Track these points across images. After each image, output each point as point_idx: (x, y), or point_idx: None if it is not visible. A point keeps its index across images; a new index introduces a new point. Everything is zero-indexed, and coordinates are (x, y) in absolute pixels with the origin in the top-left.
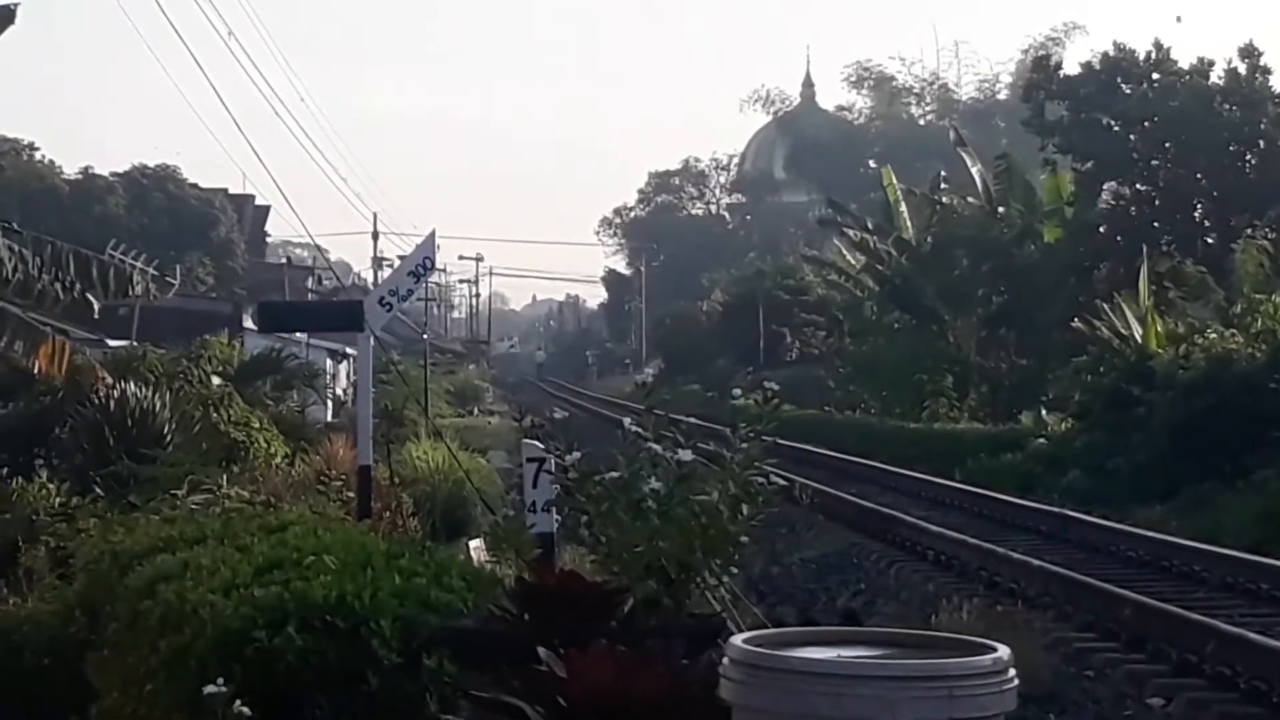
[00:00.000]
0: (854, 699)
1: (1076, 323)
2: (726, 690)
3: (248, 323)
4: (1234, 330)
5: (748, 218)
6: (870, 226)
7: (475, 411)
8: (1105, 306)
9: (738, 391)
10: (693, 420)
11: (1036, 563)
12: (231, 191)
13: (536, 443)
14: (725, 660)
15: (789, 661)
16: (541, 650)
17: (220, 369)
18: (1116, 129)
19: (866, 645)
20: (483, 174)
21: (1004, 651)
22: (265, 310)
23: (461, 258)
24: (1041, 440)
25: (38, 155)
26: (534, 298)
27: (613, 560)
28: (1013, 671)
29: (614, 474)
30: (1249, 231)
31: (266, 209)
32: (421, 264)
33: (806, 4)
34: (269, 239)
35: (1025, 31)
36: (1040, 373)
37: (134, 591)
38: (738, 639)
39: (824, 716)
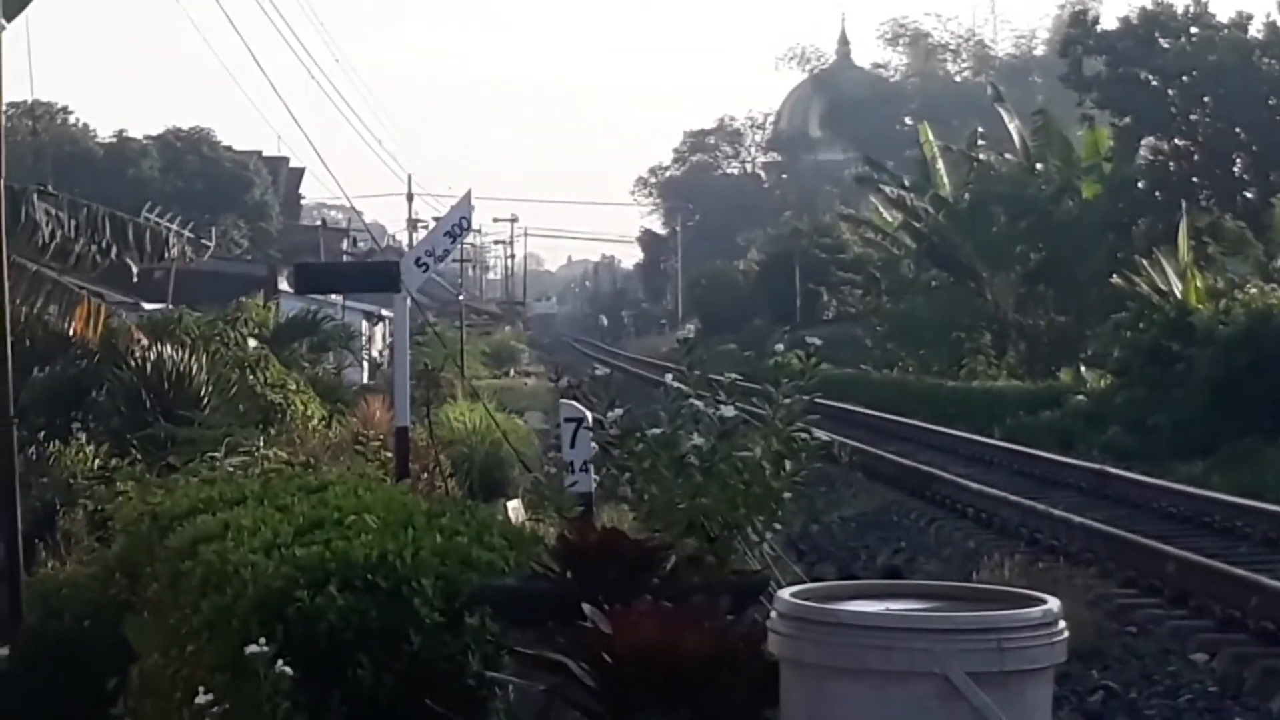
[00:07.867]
0: (904, 651)
1: (1115, 279)
2: (774, 644)
3: (283, 285)
4: (1274, 285)
5: (783, 176)
6: (907, 184)
7: (511, 372)
8: (1144, 262)
9: (780, 348)
10: (733, 378)
11: (1078, 519)
12: (266, 154)
13: (574, 402)
14: (773, 614)
15: (838, 615)
16: (587, 606)
17: (256, 331)
18: (1155, 84)
19: (914, 599)
20: (517, 135)
21: (1053, 604)
22: (301, 272)
23: (496, 219)
24: (1081, 397)
25: (71, 119)
26: (569, 258)
27: (654, 518)
28: (1063, 624)
29: (656, 430)
30: None
31: (301, 171)
32: (458, 224)
33: None
34: (304, 201)
35: None
36: (1079, 329)
37: (174, 552)
38: (786, 593)
39: (873, 669)
